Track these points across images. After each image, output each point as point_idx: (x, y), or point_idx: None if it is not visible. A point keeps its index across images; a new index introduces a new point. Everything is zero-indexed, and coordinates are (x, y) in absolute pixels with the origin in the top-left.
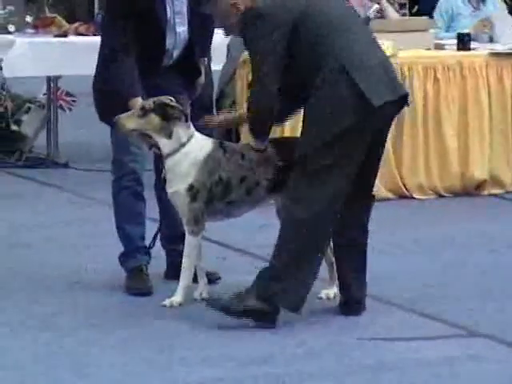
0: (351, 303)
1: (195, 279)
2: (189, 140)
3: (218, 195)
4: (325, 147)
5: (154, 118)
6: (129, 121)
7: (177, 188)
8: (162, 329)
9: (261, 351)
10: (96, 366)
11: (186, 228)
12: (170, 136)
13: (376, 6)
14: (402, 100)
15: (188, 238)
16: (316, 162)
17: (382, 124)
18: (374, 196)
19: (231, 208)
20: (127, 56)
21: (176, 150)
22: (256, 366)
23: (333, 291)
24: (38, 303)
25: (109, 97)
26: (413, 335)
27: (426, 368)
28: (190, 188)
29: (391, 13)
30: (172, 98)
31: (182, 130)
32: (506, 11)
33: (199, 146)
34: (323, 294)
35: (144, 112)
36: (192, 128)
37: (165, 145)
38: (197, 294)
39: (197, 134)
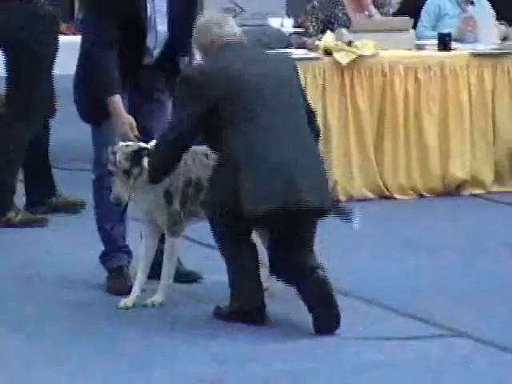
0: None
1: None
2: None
3: (190, 197)
4: None
5: (136, 171)
6: (123, 190)
7: (151, 201)
8: (145, 328)
9: (243, 350)
10: (81, 365)
11: (166, 231)
12: (141, 173)
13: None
14: (303, 205)
15: (169, 240)
16: None
17: (276, 223)
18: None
19: (203, 209)
20: (111, 51)
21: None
22: (239, 365)
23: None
24: (21, 301)
25: (89, 96)
26: (397, 335)
27: (410, 368)
28: (166, 193)
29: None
30: (126, 144)
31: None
32: (491, 10)
33: None
34: None
35: (127, 173)
36: (149, 145)
37: (141, 182)
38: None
39: (151, 145)
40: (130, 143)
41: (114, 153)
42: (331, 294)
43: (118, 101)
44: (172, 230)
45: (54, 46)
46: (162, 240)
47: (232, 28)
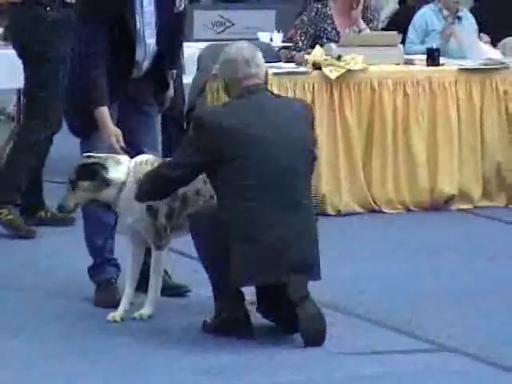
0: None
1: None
2: (128, 173)
3: (176, 210)
4: None
5: (83, 184)
6: (68, 200)
7: (135, 216)
8: (132, 341)
9: (231, 363)
10: (68, 374)
11: (151, 245)
12: (107, 184)
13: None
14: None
15: (154, 253)
16: None
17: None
18: None
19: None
20: (100, 62)
21: (120, 190)
22: (227, 377)
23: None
24: (8, 310)
25: (78, 108)
26: (384, 349)
27: (394, 382)
28: (149, 208)
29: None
30: (89, 155)
31: (115, 171)
32: (475, 26)
33: (143, 170)
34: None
35: (73, 184)
36: (126, 158)
37: (106, 195)
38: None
39: (136, 160)
40: (94, 156)
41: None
42: (318, 312)
43: (105, 113)
44: (157, 244)
45: (59, 49)
46: (148, 253)
47: (259, 68)
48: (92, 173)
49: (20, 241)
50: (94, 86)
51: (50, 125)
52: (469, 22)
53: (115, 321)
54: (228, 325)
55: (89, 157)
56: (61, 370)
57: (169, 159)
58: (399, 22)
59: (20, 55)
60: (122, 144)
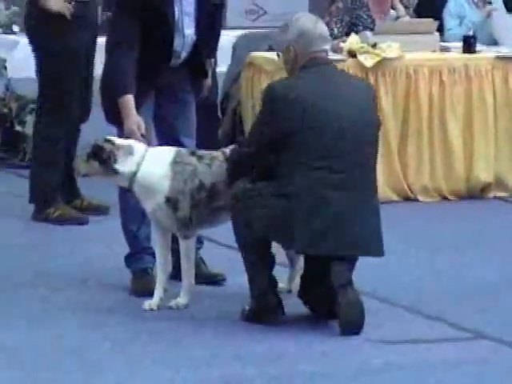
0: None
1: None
2: (140, 163)
3: (203, 201)
4: None
5: (94, 163)
6: (80, 165)
7: (154, 206)
8: (169, 329)
9: (267, 351)
10: (102, 364)
11: (178, 234)
12: (115, 173)
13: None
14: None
15: (182, 243)
16: None
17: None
18: None
19: (218, 215)
20: (130, 51)
21: (132, 180)
22: (262, 366)
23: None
24: (43, 301)
25: (107, 95)
26: (420, 337)
27: (432, 370)
28: (167, 200)
29: (402, 12)
30: (109, 138)
31: (124, 162)
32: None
33: (157, 161)
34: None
35: (87, 157)
36: (140, 149)
37: (118, 181)
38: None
39: (151, 151)
40: (111, 141)
41: None
42: (358, 299)
43: (129, 101)
44: (182, 234)
45: (72, 45)
46: (177, 241)
47: (329, 44)
48: (102, 158)
49: (55, 230)
50: (119, 74)
51: (63, 121)
52: (499, 5)
53: (151, 309)
54: (262, 313)
55: (107, 140)
56: (93, 360)
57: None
58: (426, 8)
59: (32, 50)
60: (144, 131)
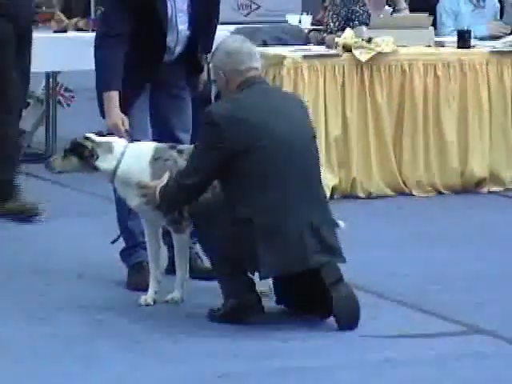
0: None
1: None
2: (120, 160)
3: None
4: None
5: (73, 159)
6: (57, 163)
7: (136, 202)
8: (165, 325)
9: (263, 347)
10: (100, 359)
11: (170, 229)
12: (95, 169)
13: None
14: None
15: (174, 237)
16: None
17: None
18: None
19: None
20: (117, 45)
21: (112, 175)
22: (260, 361)
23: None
24: (41, 296)
25: (97, 90)
26: (417, 332)
27: (429, 365)
28: (144, 195)
29: (403, 5)
30: (88, 136)
31: (104, 159)
32: (497, 6)
33: (137, 157)
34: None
35: (65, 154)
36: (120, 145)
37: (98, 176)
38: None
39: (131, 148)
40: (91, 138)
41: None
42: (352, 294)
43: (114, 97)
44: (174, 227)
45: None
46: (169, 235)
47: (259, 61)
48: (82, 155)
49: (48, 226)
50: (105, 69)
51: None
52: (492, 2)
53: (147, 304)
54: (241, 311)
55: (87, 138)
56: (90, 354)
57: (183, 167)
58: (420, 3)
59: None
60: (127, 127)
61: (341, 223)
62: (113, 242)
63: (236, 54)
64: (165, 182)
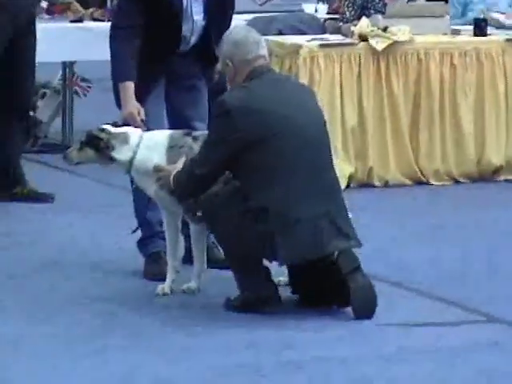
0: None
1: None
2: (136, 150)
3: None
4: None
5: (89, 151)
6: (74, 154)
7: (154, 191)
8: (181, 315)
9: (279, 337)
10: (110, 354)
11: (187, 218)
12: (112, 160)
13: None
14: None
15: (191, 227)
16: None
17: None
18: None
19: None
20: (132, 36)
21: (129, 167)
22: (275, 352)
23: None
24: (55, 289)
25: (113, 80)
26: (433, 321)
27: (446, 354)
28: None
29: None
30: (103, 127)
31: (121, 150)
32: None
33: (152, 146)
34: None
35: (81, 146)
36: (135, 135)
37: (115, 167)
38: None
39: (146, 137)
40: (106, 130)
41: None
42: (369, 283)
43: (130, 88)
44: (191, 218)
45: None
46: (187, 225)
47: (265, 49)
48: (97, 147)
49: (65, 217)
50: (120, 60)
51: None
52: None
53: (164, 293)
54: (259, 302)
55: (102, 130)
56: (105, 348)
57: (195, 156)
58: None
59: None
60: (143, 117)
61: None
62: (132, 232)
63: (243, 43)
64: (180, 167)
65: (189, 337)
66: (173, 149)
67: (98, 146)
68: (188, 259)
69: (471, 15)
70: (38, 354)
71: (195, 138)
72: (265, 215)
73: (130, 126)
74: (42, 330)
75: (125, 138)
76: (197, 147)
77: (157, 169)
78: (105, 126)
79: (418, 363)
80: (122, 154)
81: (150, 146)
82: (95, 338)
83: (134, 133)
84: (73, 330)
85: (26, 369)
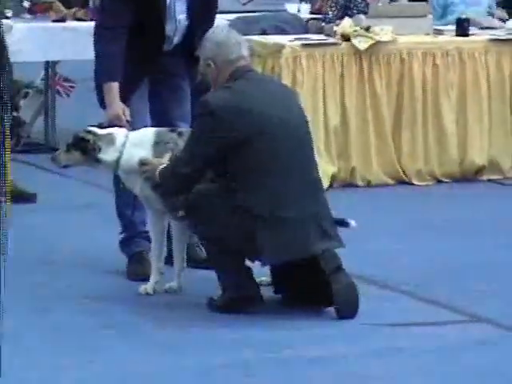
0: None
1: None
2: (122, 150)
3: None
4: None
5: (76, 154)
6: (61, 157)
7: (140, 189)
8: (167, 315)
9: (266, 337)
10: (103, 350)
11: (170, 216)
12: (98, 162)
13: None
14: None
15: (173, 224)
16: None
17: None
18: None
19: None
20: (117, 36)
21: (116, 167)
22: (262, 351)
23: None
24: (43, 287)
25: (96, 81)
26: (417, 321)
27: (430, 353)
28: (154, 186)
29: None
30: (90, 129)
31: (107, 151)
32: None
33: (139, 142)
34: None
35: (68, 148)
36: (121, 135)
37: (102, 168)
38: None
39: (131, 136)
40: (92, 131)
41: None
42: (352, 282)
43: (114, 88)
44: (174, 216)
45: None
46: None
47: (247, 50)
48: (83, 148)
49: (52, 217)
50: (106, 60)
51: None
52: None
53: (147, 293)
54: (235, 304)
55: (88, 132)
56: (93, 346)
57: (178, 154)
58: None
59: None
60: (128, 117)
61: (352, 222)
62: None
63: (225, 43)
64: (166, 162)
65: (174, 334)
66: (159, 145)
67: (85, 148)
68: (169, 260)
69: (451, 17)
70: (27, 350)
71: (180, 134)
72: (250, 215)
73: (115, 126)
74: (29, 327)
75: (111, 139)
76: (182, 143)
77: (142, 162)
78: (91, 128)
79: (403, 363)
80: (108, 154)
81: (135, 143)
82: (82, 334)
83: (119, 133)
84: (60, 327)
85: (16, 366)
